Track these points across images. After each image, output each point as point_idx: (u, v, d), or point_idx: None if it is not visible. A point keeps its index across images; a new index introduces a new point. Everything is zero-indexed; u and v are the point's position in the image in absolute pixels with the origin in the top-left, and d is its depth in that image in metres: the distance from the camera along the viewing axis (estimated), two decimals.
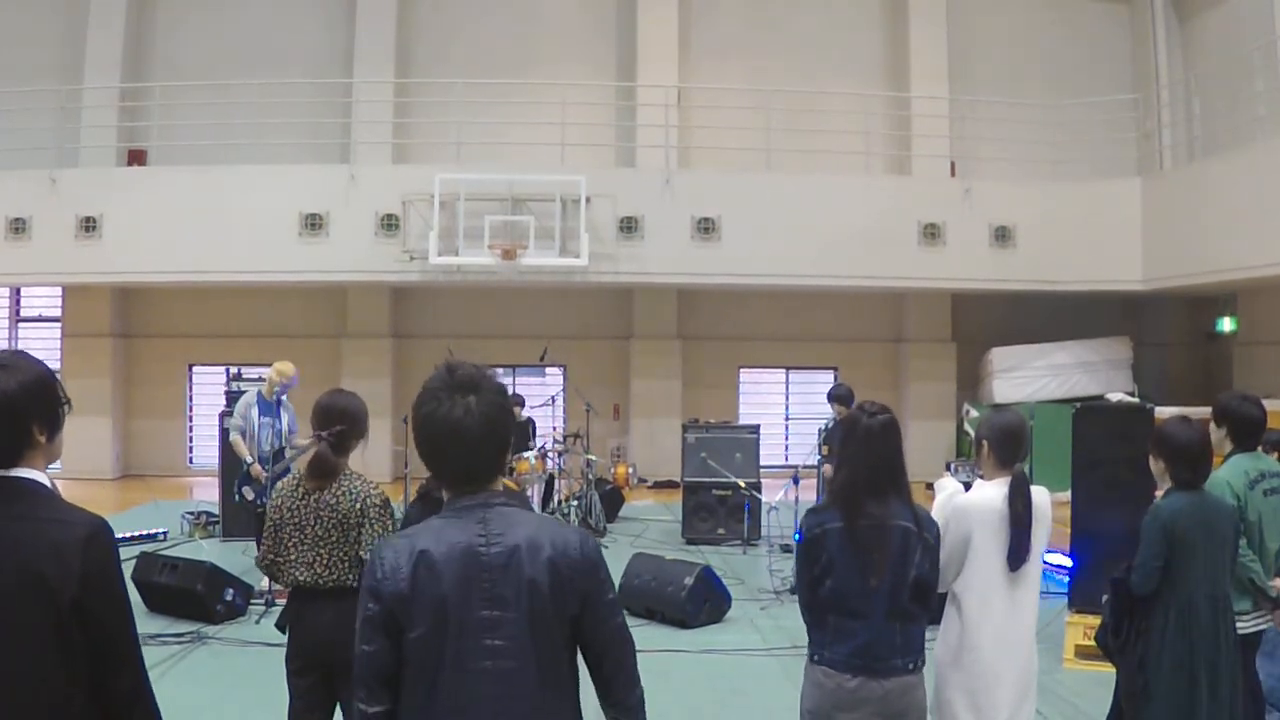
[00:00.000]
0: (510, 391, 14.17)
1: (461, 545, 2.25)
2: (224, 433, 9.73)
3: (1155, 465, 4.07)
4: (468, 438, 2.30)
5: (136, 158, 14.75)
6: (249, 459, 8.70)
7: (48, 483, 2.23)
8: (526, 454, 10.97)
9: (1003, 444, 3.85)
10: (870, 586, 3.31)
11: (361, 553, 3.86)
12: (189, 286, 15.12)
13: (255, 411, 8.83)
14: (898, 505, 3.38)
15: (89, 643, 2.16)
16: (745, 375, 16.81)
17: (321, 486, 4.00)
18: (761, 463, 11.25)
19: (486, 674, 2.23)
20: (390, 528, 3.99)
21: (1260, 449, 4.66)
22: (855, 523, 3.33)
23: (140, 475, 15.50)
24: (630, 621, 7.88)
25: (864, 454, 3.41)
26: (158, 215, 13.33)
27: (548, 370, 15.73)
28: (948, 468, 10.38)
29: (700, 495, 10.89)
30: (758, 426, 11.62)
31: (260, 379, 9.75)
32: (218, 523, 10.73)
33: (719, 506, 10.83)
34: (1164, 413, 7.58)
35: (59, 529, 2.15)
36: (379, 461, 13.98)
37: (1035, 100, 14.59)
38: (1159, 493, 4.12)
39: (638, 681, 2.42)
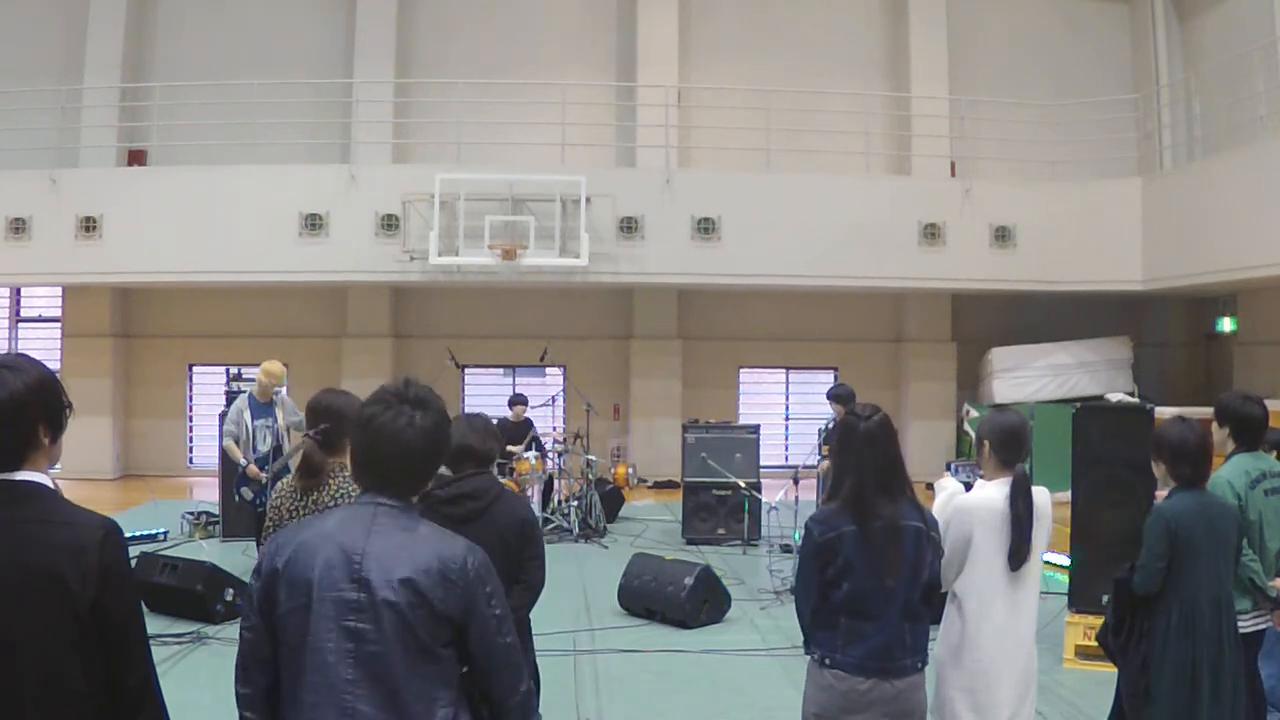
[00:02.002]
0: (512, 391, 14.06)
1: (343, 533, 2.36)
2: (223, 434, 9.74)
3: (1158, 468, 4.08)
4: (407, 449, 2.41)
5: (137, 158, 14.75)
6: (243, 461, 8.70)
7: (51, 485, 2.24)
8: (527, 454, 10.98)
9: (1004, 444, 3.84)
10: (887, 587, 3.32)
11: None
12: (189, 286, 15.12)
13: (248, 415, 8.83)
14: (907, 505, 3.40)
15: (104, 641, 2.18)
16: (745, 375, 16.81)
17: (311, 485, 4.00)
18: (761, 463, 11.24)
19: (349, 655, 2.28)
20: None
21: (1262, 449, 4.67)
22: (870, 525, 3.34)
23: (140, 475, 15.49)
24: (630, 621, 7.84)
25: (869, 456, 3.41)
26: (158, 215, 13.32)
27: (548, 370, 15.72)
28: (948, 468, 10.38)
29: (700, 495, 10.89)
30: (758, 426, 11.61)
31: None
32: (218, 523, 10.73)
33: (719, 506, 10.83)
34: (1164, 413, 7.58)
35: (74, 531, 2.17)
36: None
37: (1035, 100, 14.59)
38: (1161, 494, 4.11)
39: (521, 692, 2.46)
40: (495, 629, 2.38)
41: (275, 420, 8.83)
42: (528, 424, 11.88)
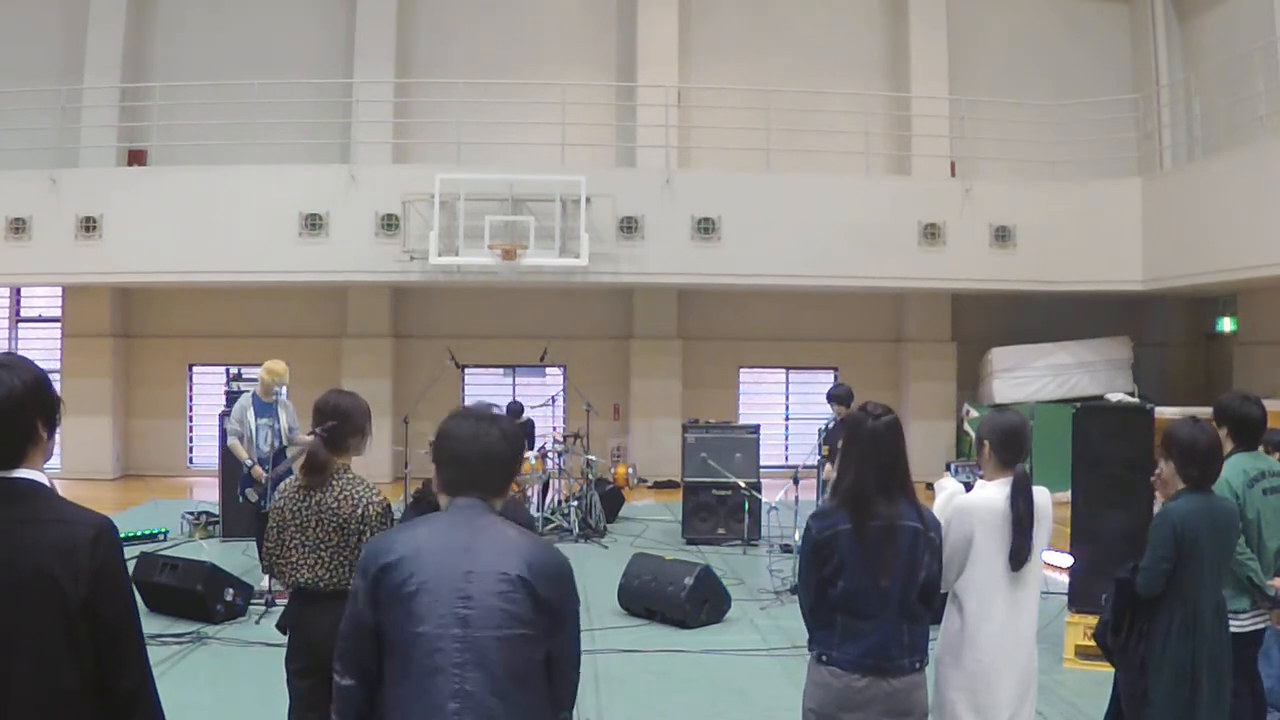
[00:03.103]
0: (511, 392, 14.10)
1: (449, 538, 2.52)
2: (224, 433, 9.74)
3: (1165, 467, 4.05)
4: (489, 451, 2.62)
5: (136, 158, 14.75)
6: (249, 461, 8.69)
7: (47, 482, 2.24)
8: (528, 454, 10.98)
9: (1004, 444, 3.84)
10: (881, 587, 3.32)
11: None
12: (189, 286, 15.12)
13: (251, 414, 8.81)
14: (905, 506, 3.39)
15: (96, 642, 2.17)
16: (745, 375, 16.82)
17: (315, 483, 3.98)
18: (761, 463, 11.25)
19: (458, 640, 2.43)
20: None
21: (1261, 449, 4.67)
22: (865, 524, 3.34)
23: (140, 475, 15.49)
24: (630, 621, 7.85)
25: (872, 455, 3.41)
26: (158, 215, 13.32)
27: (548, 370, 15.72)
28: (948, 468, 10.39)
29: (700, 495, 10.89)
30: (758, 426, 11.62)
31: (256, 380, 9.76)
32: (218, 523, 10.73)
33: (719, 506, 10.83)
34: (1164, 413, 7.58)
35: (66, 530, 2.16)
36: (379, 462, 13.98)
37: (1035, 100, 14.59)
38: (1162, 495, 4.10)
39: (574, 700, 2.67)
40: (574, 620, 2.61)
41: (278, 420, 8.82)
42: (528, 426, 11.88)
